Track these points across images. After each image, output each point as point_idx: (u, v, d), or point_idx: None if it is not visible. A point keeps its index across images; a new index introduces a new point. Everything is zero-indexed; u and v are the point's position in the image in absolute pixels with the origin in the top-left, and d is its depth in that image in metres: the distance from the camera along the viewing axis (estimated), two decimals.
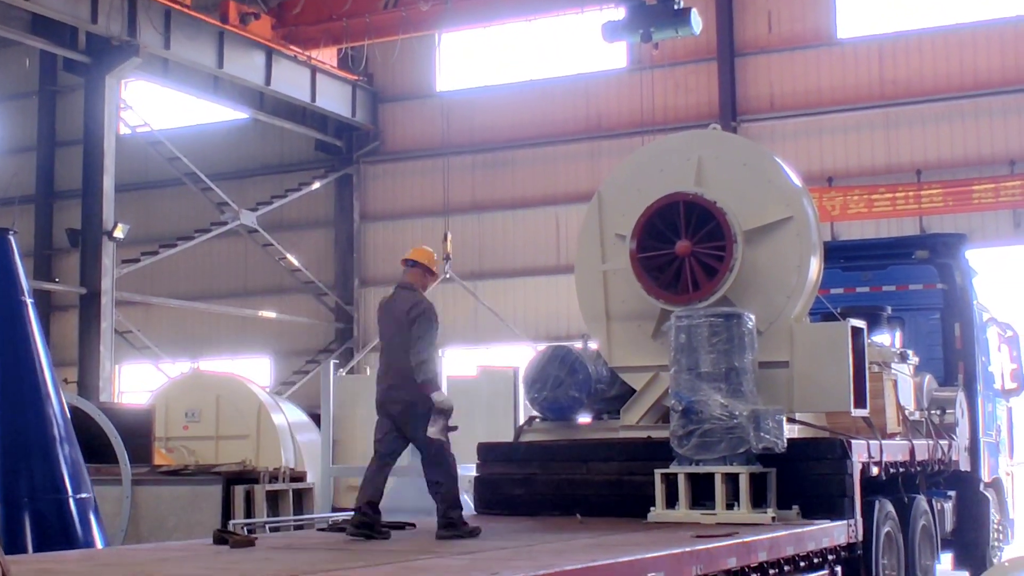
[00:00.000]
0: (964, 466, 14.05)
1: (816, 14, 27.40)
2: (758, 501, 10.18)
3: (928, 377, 14.13)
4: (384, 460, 9.57)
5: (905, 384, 13.06)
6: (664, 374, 10.99)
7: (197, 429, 17.24)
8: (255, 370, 30.59)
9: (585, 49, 28.48)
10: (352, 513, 9.41)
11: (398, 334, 9.52)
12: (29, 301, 10.27)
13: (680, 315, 10.57)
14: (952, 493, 13.93)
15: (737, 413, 10.05)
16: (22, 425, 9.69)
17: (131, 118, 28.27)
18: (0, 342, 9.89)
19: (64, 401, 10.36)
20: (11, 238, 10.18)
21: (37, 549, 9.05)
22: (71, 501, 9.78)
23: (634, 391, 11.71)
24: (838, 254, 16.04)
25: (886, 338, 14.96)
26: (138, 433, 14.44)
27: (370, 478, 9.48)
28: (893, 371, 12.70)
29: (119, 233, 23.74)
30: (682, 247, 11.22)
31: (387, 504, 15.88)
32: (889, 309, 14.65)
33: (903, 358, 13.33)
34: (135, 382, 31.69)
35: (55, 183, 33.84)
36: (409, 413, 9.41)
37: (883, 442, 11.30)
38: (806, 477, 10.44)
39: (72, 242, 26.42)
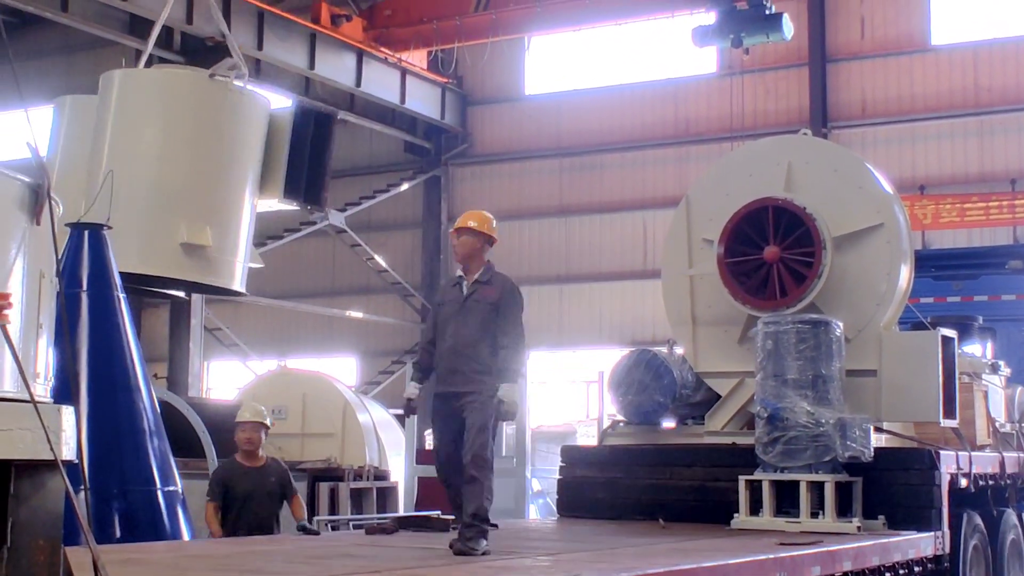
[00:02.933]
0: None
1: (910, 20, 27.05)
2: (843, 510, 10.09)
3: (1020, 389, 13.92)
4: None
5: (996, 395, 12.88)
6: (750, 380, 10.93)
7: (283, 426, 17.35)
8: (341, 369, 30.81)
9: (675, 53, 28.36)
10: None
11: None
12: (122, 296, 10.43)
13: (767, 321, 10.50)
14: None
15: (823, 421, 9.96)
16: (113, 418, 9.84)
17: None
18: (93, 336, 10.05)
19: (154, 395, 10.51)
20: (105, 234, 10.34)
21: (125, 539, 9.18)
22: (159, 493, 9.91)
23: (719, 397, 11.66)
24: (929, 263, 15.88)
25: (977, 348, 14.77)
26: (225, 428, 14.56)
27: None
28: (984, 382, 12.53)
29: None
30: (770, 253, 11.14)
31: None
32: (980, 319, 14.46)
33: (994, 369, 13.15)
34: (223, 379, 32.07)
35: None
36: None
37: (973, 454, 11.15)
38: (893, 487, 10.33)
39: None
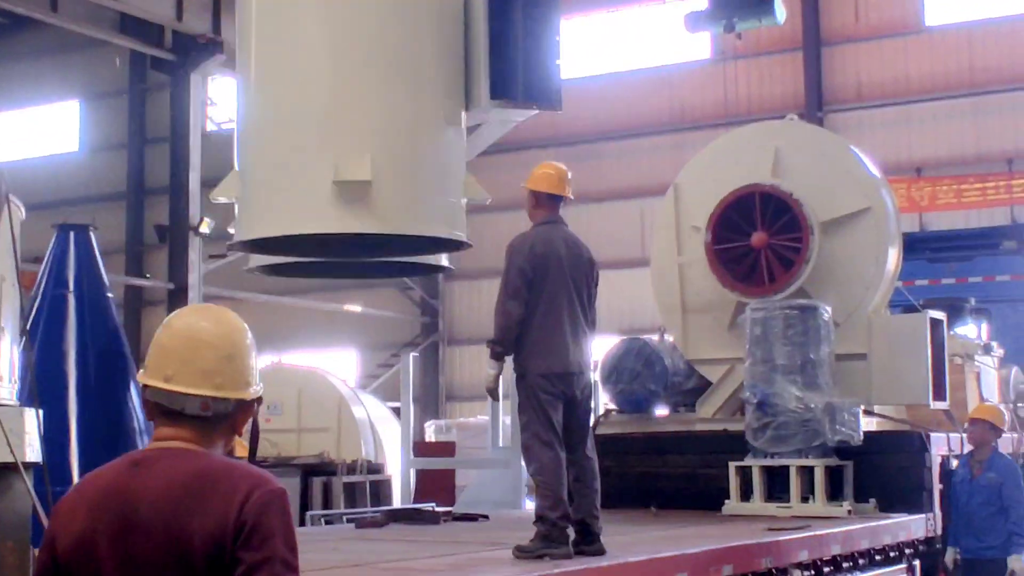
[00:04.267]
0: None
1: (904, 2, 26.99)
2: (834, 494, 10.08)
3: (1015, 369, 13.90)
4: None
5: (989, 376, 12.87)
6: (740, 366, 10.91)
7: (279, 422, 17.39)
8: (341, 363, 30.82)
9: (668, 40, 28.31)
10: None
11: (588, 288, 7.78)
12: (109, 296, 10.44)
13: (755, 307, 10.49)
14: None
15: (812, 406, 9.94)
16: (104, 416, 9.86)
17: (217, 115, 28.58)
18: (81, 337, 10.06)
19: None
20: (91, 234, 10.35)
21: None
22: None
23: (710, 383, 11.65)
24: (924, 245, 15.87)
25: (972, 330, 14.74)
26: None
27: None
28: (976, 363, 12.52)
29: (205, 229, 23.97)
30: (758, 239, 11.11)
31: (467, 497, 16.04)
32: (973, 300, 14.44)
33: (987, 350, 13.14)
34: None
35: (145, 180, 34.30)
36: (592, 398, 7.92)
37: (964, 435, 11.14)
38: (884, 470, 10.32)
39: (160, 238, 26.74)
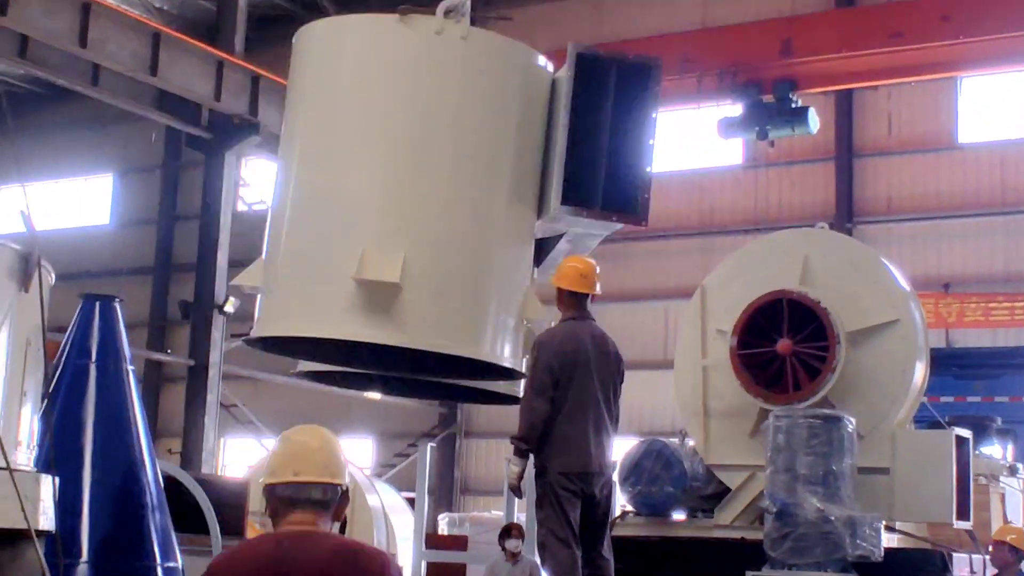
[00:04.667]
0: None
1: (937, 118, 27.09)
2: None
3: None
4: None
5: (1014, 498, 12.70)
6: (761, 474, 10.77)
7: None
8: (358, 450, 30.67)
9: (701, 145, 28.44)
10: None
11: (613, 385, 7.81)
12: (130, 368, 10.39)
13: (779, 415, 10.36)
14: None
15: (833, 518, 9.79)
16: (114, 490, 9.75)
17: (249, 195, 28.72)
18: (99, 408, 10.00)
19: (159, 469, 10.42)
20: (116, 306, 10.33)
21: None
22: (159, 569, 9.77)
23: (730, 490, 11.51)
24: (950, 361, 15.76)
25: (996, 450, 14.59)
26: (232, 505, 14.45)
27: None
28: (1001, 484, 12.36)
29: (229, 307, 24.01)
30: (784, 346, 11.03)
31: None
32: (999, 420, 14.32)
33: (1012, 471, 12.98)
34: (239, 456, 31.96)
35: (173, 256, 34.48)
36: (612, 497, 8.14)
37: (987, 557, 10.96)
38: None
39: (184, 314, 26.79)
